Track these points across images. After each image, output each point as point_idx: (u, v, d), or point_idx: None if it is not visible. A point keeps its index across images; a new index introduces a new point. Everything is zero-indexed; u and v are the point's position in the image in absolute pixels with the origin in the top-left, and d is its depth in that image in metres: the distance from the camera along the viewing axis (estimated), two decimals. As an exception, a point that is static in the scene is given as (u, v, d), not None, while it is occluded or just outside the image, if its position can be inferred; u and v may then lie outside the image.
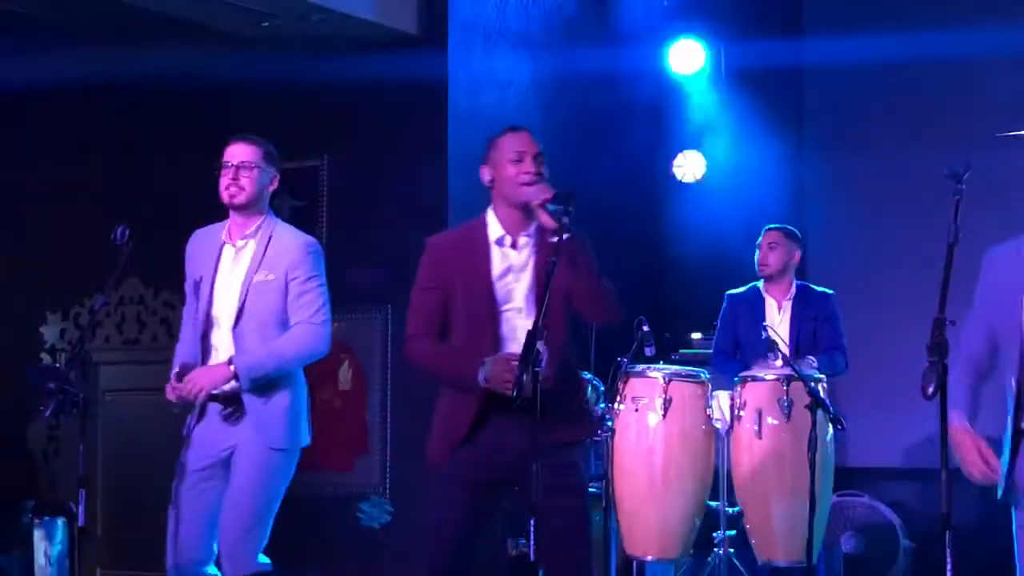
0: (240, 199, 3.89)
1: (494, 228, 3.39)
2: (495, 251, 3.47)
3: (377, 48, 5.99)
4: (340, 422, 5.69)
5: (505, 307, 3.41)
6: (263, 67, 6.00)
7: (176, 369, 3.87)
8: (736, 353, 5.61)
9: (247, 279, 3.90)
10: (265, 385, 3.81)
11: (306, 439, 3.95)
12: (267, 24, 5.76)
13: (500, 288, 3.40)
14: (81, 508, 3.69)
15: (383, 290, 5.66)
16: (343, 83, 5.93)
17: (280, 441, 3.81)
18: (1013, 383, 3.02)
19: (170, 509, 3.80)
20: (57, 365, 4.31)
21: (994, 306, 3.09)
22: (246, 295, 3.89)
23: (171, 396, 3.84)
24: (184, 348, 4.02)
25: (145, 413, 5.66)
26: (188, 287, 4.06)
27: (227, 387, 3.79)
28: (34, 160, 6.72)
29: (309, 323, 3.89)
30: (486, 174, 3.41)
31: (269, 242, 3.95)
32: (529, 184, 3.36)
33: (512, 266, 3.48)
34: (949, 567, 3.15)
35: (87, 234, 6.02)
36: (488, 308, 3.37)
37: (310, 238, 4.04)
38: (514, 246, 3.47)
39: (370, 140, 5.97)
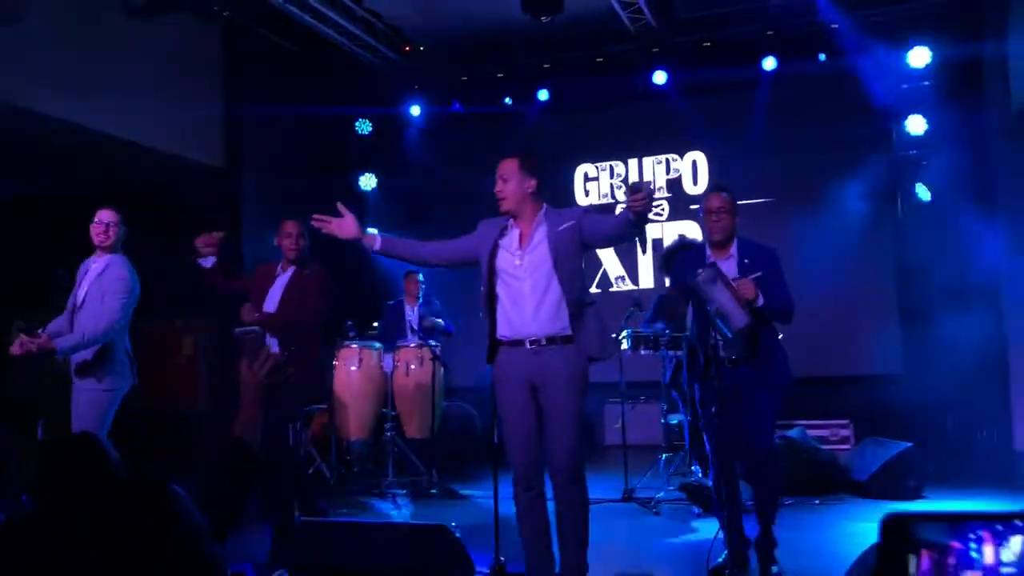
0: (107, 243, 4.82)
1: None
2: None
3: (199, 174, 7.80)
4: (188, 374, 7.45)
5: None
6: (134, 181, 7.30)
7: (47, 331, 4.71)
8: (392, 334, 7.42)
9: (91, 284, 4.79)
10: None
11: (116, 383, 4.71)
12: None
13: None
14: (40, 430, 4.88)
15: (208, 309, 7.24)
16: (181, 193, 7.52)
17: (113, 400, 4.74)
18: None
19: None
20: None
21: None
22: (88, 293, 4.77)
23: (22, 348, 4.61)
24: (56, 324, 4.82)
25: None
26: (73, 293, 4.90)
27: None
28: None
29: (97, 312, 4.69)
30: None
31: (108, 266, 4.80)
32: None
33: None
34: (496, 439, 4.06)
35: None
36: None
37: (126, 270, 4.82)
38: None
39: (198, 226, 6.90)
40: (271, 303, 5.13)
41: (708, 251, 4.27)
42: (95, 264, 4.91)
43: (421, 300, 7.64)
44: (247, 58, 8.23)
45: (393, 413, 7.20)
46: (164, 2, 7.30)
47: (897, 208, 8.47)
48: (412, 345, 7.30)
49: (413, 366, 7.23)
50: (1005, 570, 1.61)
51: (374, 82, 9.21)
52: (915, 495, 5.98)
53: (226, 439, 2.07)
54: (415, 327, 7.52)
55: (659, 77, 8.77)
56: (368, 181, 9.42)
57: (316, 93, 8.99)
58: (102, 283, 4.79)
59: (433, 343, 7.30)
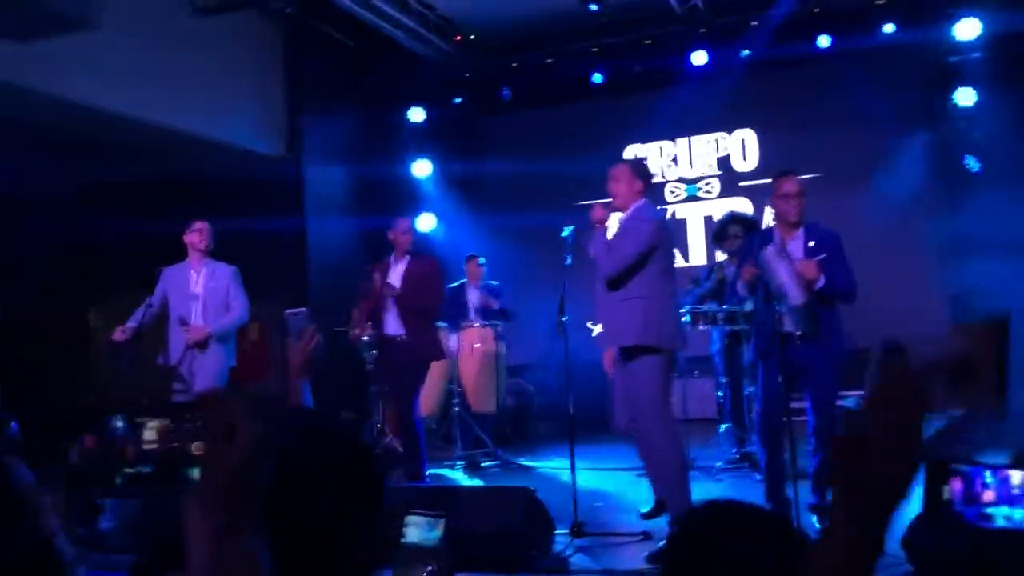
0: (209, 248, 5.80)
1: None
2: None
3: (263, 164, 8.21)
4: (253, 358, 7.89)
5: None
6: (205, 173, 7.91)
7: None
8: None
9: (205, 286, 5.73)
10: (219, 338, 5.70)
11: (234, 361, 5.83)
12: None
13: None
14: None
15: (275, 292, 7.64)
16: (247, 183, 7.91)
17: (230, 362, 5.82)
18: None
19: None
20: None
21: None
22: (205, 295, 5.72)
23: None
24: (141, 312, 5.59)
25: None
26: (159, 288, 5.75)
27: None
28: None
29: (239, 308, 5.81)
30: None
31: (215, 270, 5.79)
32: None
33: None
34: (571, 407, 4.52)
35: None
36: None
37: (233, 267, 5.90)
38: None
39: (264, 212, 7.80)
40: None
41: (776, 232, 4.51)
42: (202, 268, 5.71)
43: (483, 282, 7.94)
44: (307, 53, 8.55)
45: (459, 389, 7.52)
46: (230, 1, 7.62)
47: (946, 181, 8.57)
48: (476, 325, 7.61)
49: (477, 345, 7.55)
50: (1015, 491, 2.65)
51: (427, 72, 9.46)
52: (967, 460, 6.10)
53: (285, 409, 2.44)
54: (477, 308, 7.82)
55: (699, 58, 8.93)
56: (423, 168, 9.70)
57: (372, 84, 9.33)
58: (221, 281, 5.71)
59: (495, 323, 7.63)
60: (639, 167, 4.50)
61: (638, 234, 4.29)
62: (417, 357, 5.84)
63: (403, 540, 2.29)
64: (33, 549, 1.05)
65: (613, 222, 4.50)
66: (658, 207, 4.50)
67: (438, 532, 2.68)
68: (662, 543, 4.17)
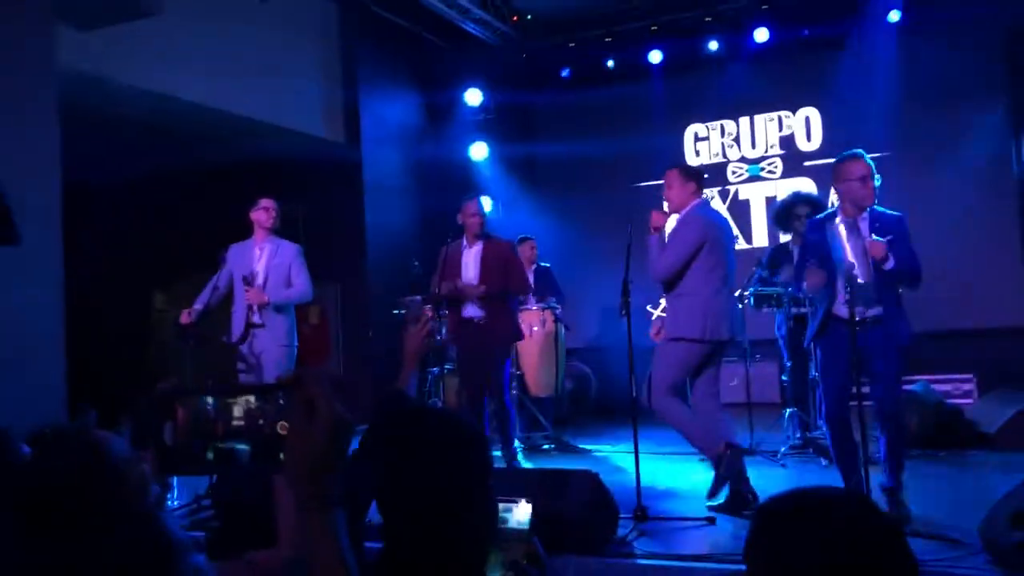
0: (275, 226, 5.80)
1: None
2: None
3: (322, 149, 8.28)
4: (314, 341, 7.96)
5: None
6: (270, 156, 7.96)
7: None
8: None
9: (268, 263, 5.70)
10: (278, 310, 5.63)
11: (296, 341, 5.70)
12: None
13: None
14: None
15: (334, 274, 7.93)
16: (306, 168, 8.12)
17: (293, 341, 5.72)
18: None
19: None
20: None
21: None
22: (268, 270, 5.69)
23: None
24: (207, 293, 5.61)
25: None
26: (225, 268, 5.73)
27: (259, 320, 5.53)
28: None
29: (301, 284, 5.74)
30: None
31: (279, 247, 5.77)
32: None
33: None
34: (634, 390, 4.58)
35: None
36: None
37: (298, 245, 5.87)
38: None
39: (323, 196, 8.04)
40: (468, 273, 5.82)
41: (839, 215, 4.42)
42: (267, 245, 5.67)
43: (535, 264, 7.92)
44: (365, 36, 8.57)
45: (518, 372, 7.47)
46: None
47: (1021, 156, 8.31)
48: (534, 308, 7.59)
49: (536, 328, 7.52)
50: None
51: (484, 53, 9.43)
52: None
53: (390, 389, 2.43)
54: (533, 290, 7.79)
55: (761, 35, 8.78)
56: (480, 151, 9.70)
57: (428, 67, 9.35)
58: (284, 260, 5.64)
59: (554, 305, 7.62)
60: (688, 169, 4.83)
61: (683, 237, 4.63)
62: (499, 339, 5.79)
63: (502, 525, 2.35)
64: (136, 528, 1.07)
65: (672, 223, 4.80)
66: (710, 194, 4.50)
67: (527, 516, 2.75)
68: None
